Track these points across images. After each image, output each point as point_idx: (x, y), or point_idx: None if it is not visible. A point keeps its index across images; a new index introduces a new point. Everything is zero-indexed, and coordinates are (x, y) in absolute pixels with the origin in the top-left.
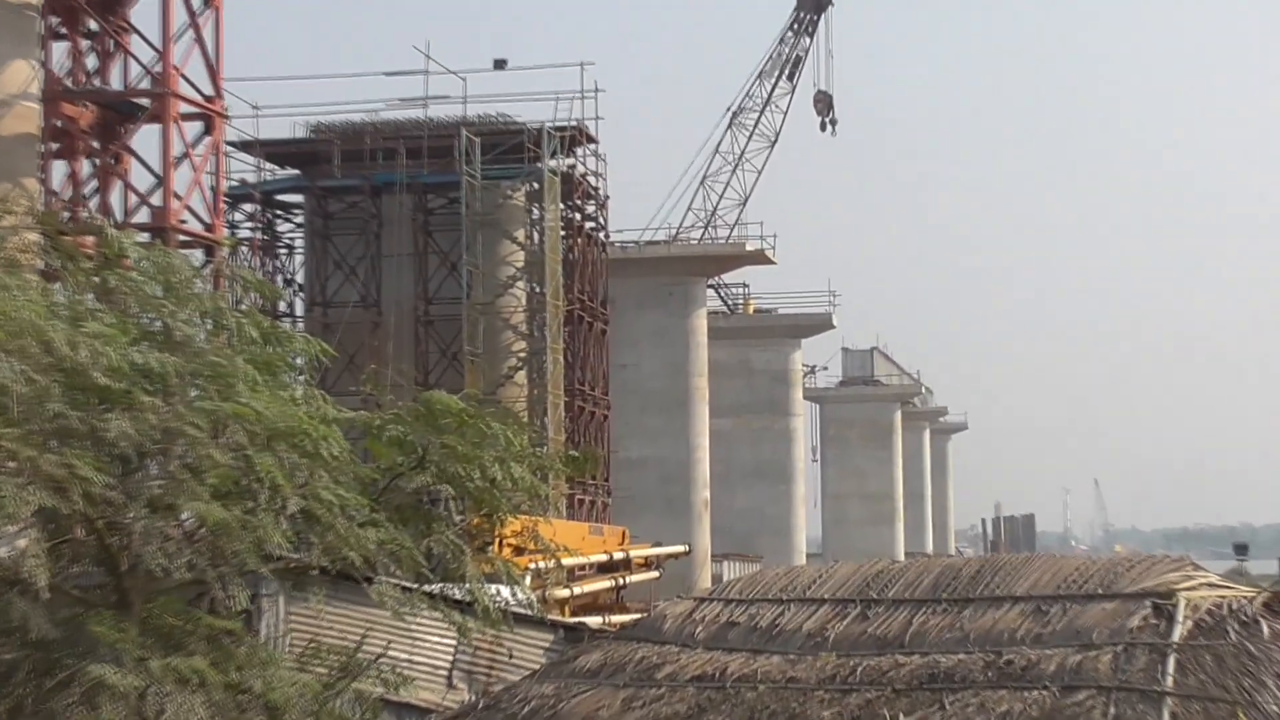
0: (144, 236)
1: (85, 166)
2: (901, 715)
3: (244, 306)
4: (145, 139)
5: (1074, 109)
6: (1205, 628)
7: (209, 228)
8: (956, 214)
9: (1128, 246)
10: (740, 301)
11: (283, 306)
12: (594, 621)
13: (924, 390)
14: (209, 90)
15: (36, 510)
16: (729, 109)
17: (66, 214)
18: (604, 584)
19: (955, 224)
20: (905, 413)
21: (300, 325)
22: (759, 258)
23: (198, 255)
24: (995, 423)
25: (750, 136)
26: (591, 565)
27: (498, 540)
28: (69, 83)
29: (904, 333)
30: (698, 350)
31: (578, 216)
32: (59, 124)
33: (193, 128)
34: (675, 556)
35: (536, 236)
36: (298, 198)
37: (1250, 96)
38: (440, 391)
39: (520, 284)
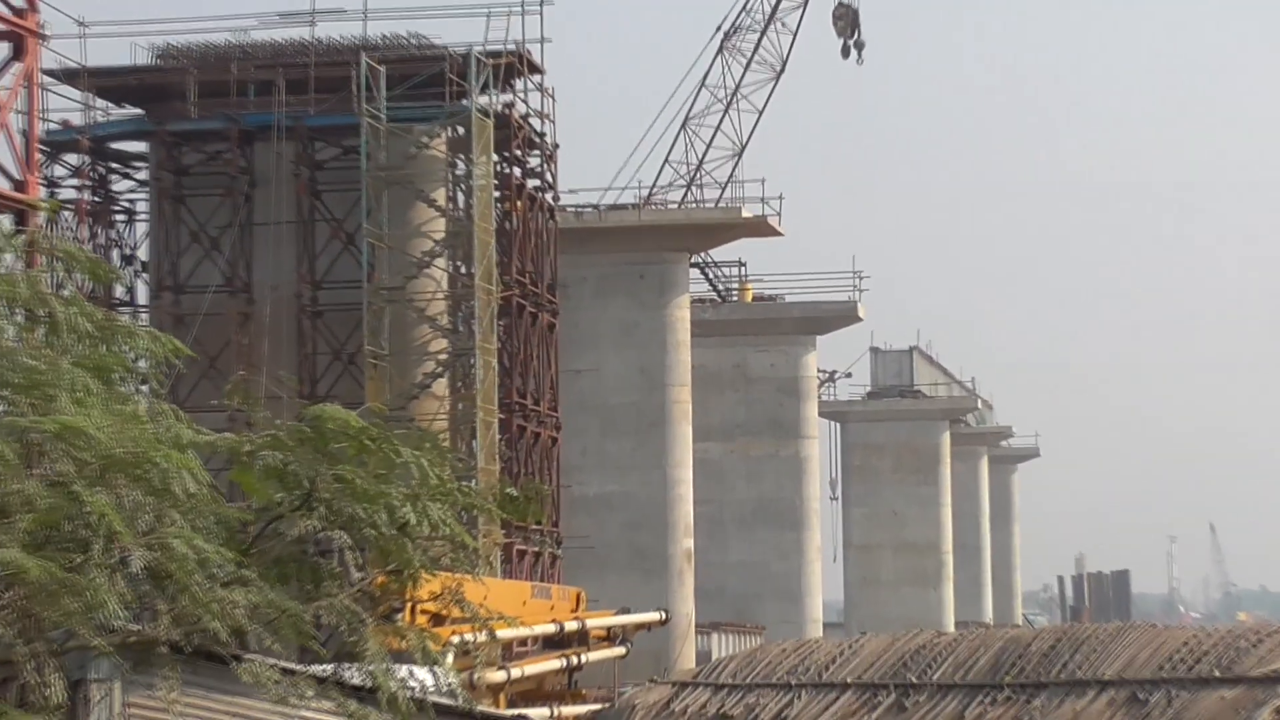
0: None
1: None
2: None
3: (67, 292)
4: None
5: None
6: None
7: (19, 186)
8: (1025, 173)
9: (1252, 223)
10: (735, 287)
11: (120, 292)
12: (539, 715)
13: (980, 404)
14: (17, 1)
15: None
16: (719, 28)
17: None
18: (552, 663)
19: (1023, 187)
20: (956, 434)
21: (144, 318)
22: (760, 227)
23: (3, 223)
24: (1076, 449)
25: (748, 66)
26: (536, 639)
27: (410, 605)
28: None
29: (954, 330)
30: (678, 351)
31: (517, 172)
32: None
33: None
34: (648, 627)
35: (462, 199)
36: (140, 146)
37: None
38: (333, 406)
39: (440, 262)
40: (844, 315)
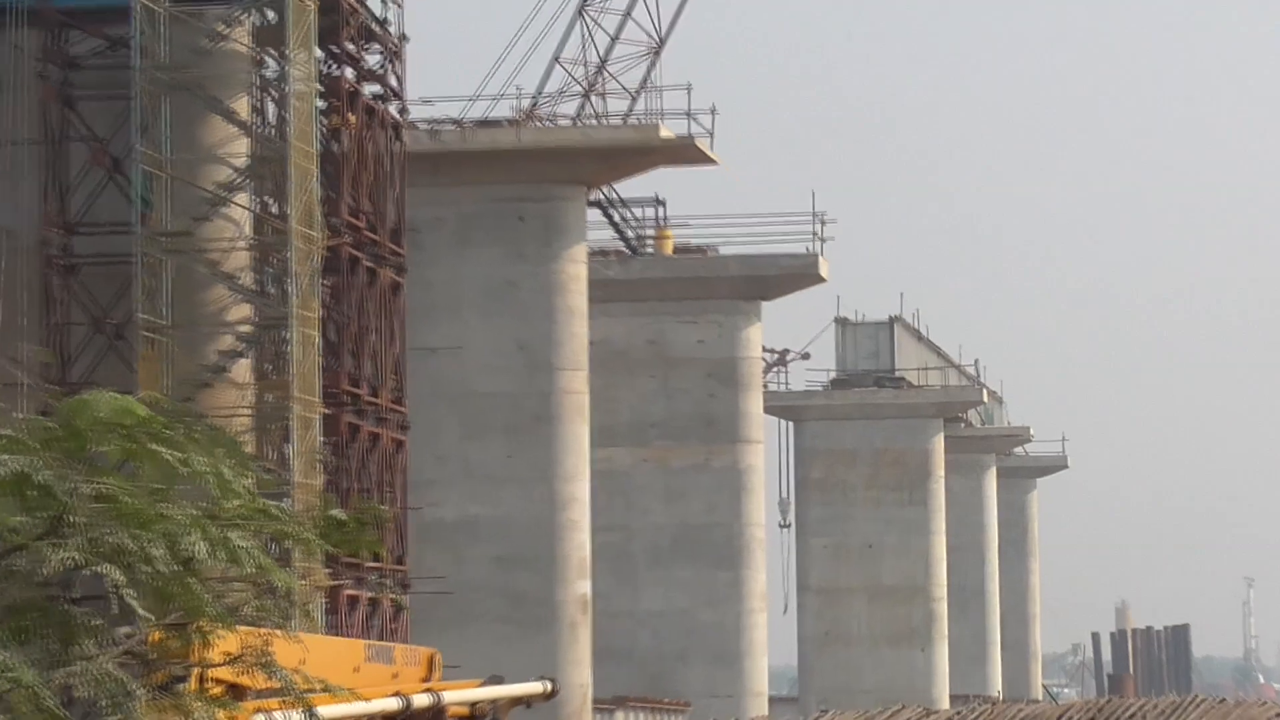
0: None
1: None
2: None
3: None
4: None
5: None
6: None
7: None
8: (1049, 91)
9: None
10: (651, 235)
11: None
12: None
13: (987, 397)
14: None
15: None
16: None
17: None
18: None
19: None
20: (953, 438)
21: None
22: (684, 153)
23: None
24: (1117, 459)
25: None
26: (373, 717)
27: (198, 671)
28: None
29: (950, 297)
30: (570, 322)
31: (350, 74)
32: None
33: None
34: (527, 702)
35: (273, 111)
36: None
37: None
38: (100, 393)
39: (243, 199)
40: (799, 274)
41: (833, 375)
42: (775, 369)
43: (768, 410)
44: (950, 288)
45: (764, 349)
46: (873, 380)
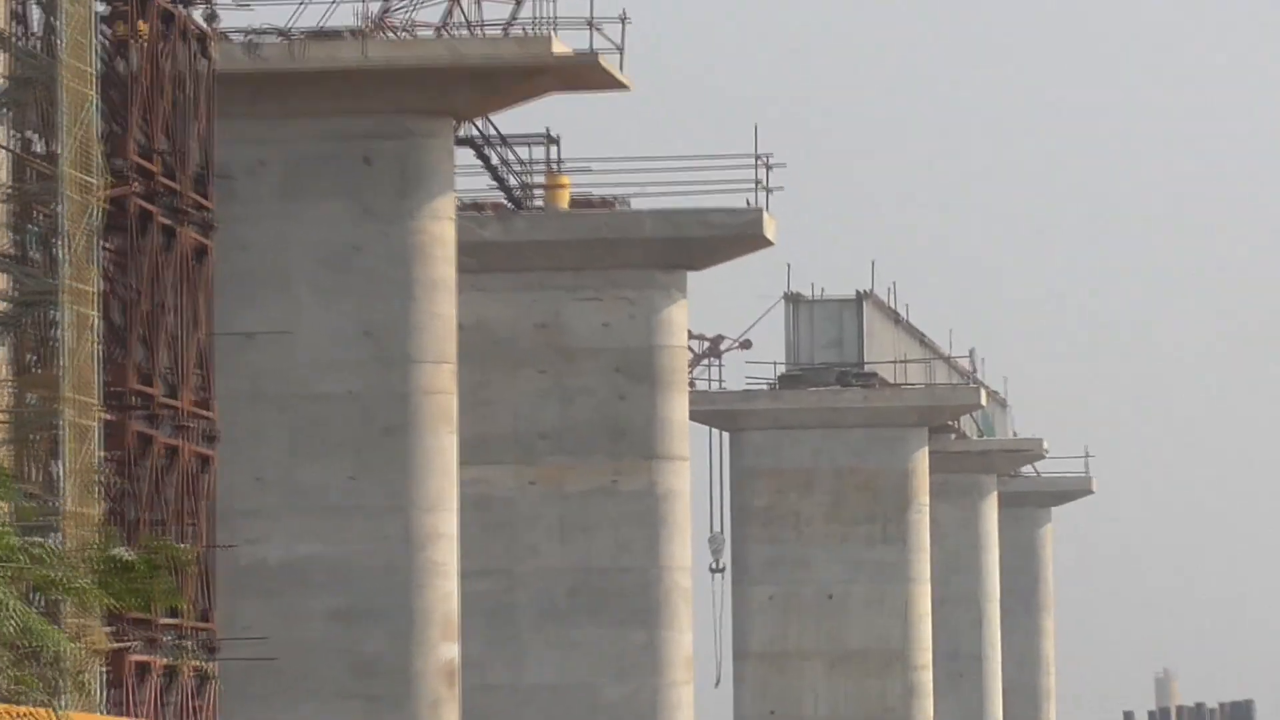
0: None
1: None
2: None
3: None
4: None
5: None
6: None
7: None
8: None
9: None
10: (541, 184)
11: None
12: None
13: (986, 399)
14: None
15: None
16: None
17: None
18: None
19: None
20: (942, 454)
21: None
22: (586, 74)
23: None
24: (1155, 485)
25: None
26: None
27: None
28: None
29: (937, 267)
30: (433, 298)
31: None
32: None
33: None
34: None
35: (38, 18)
36: None
37: None
38: None
39: None
40: (737, 235)
41: (782, 370)
42: (706, 362)
43: (695, 417)
44: (937, 255)
45: (690, 335)
46: (835, 377)
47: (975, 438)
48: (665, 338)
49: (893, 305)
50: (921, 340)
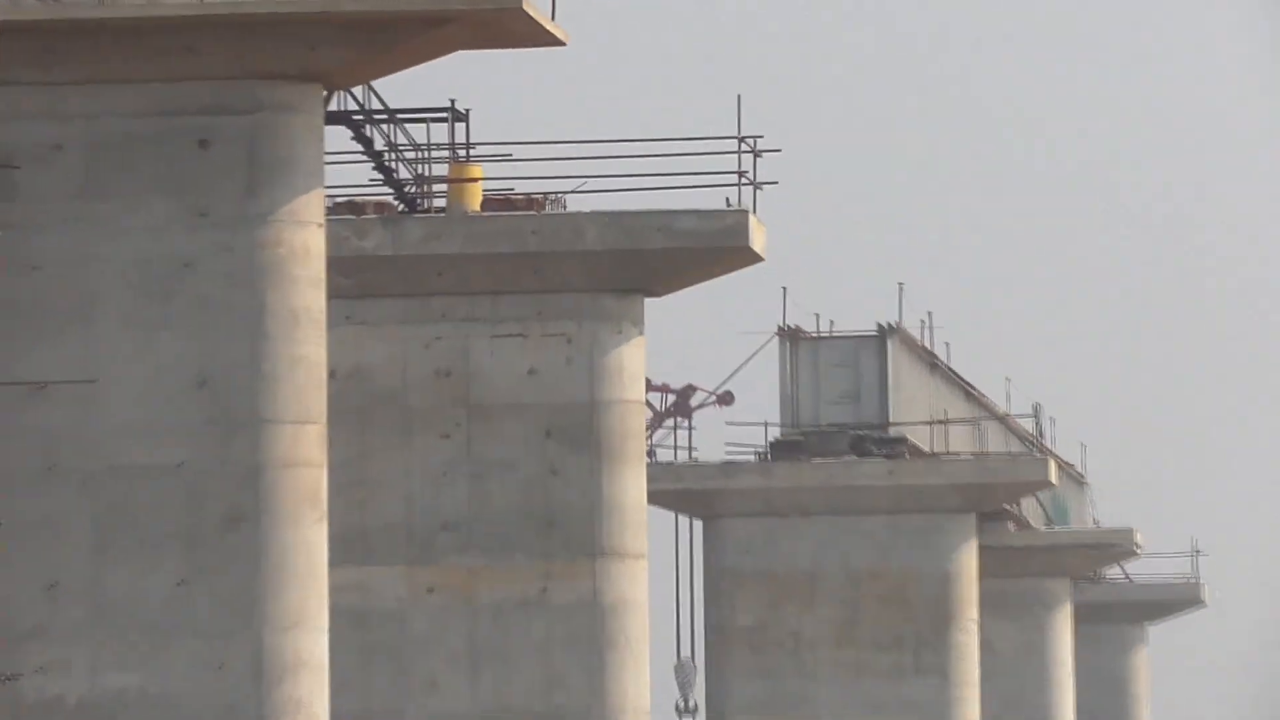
0: None
1: None
2: None
3: None
4: None
5: None
6: None
7: None
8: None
9: None
10: (443, 176)
11: None
12: None
13: (1058, 474)
14: None
15: None
16: None
17: None
18: None
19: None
20: (997, 549)
21: None
22: (504, 24)
23: None
24: None
25: None
26: None
27: None
28: None
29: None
30: (293, 336)
31: None
32: None
33: None
34: None
35: None
36: None
37: None
38: None
39: None
40: (714, 246)
41: (775, 435)
42: (671, 423)
43: (656, 499)
44: (987, 277)
45: (650, 386)
46: (849, 443)
47: (1042, 528)
48: (615, 389)
49: (928, 344)
50: (968, 393)
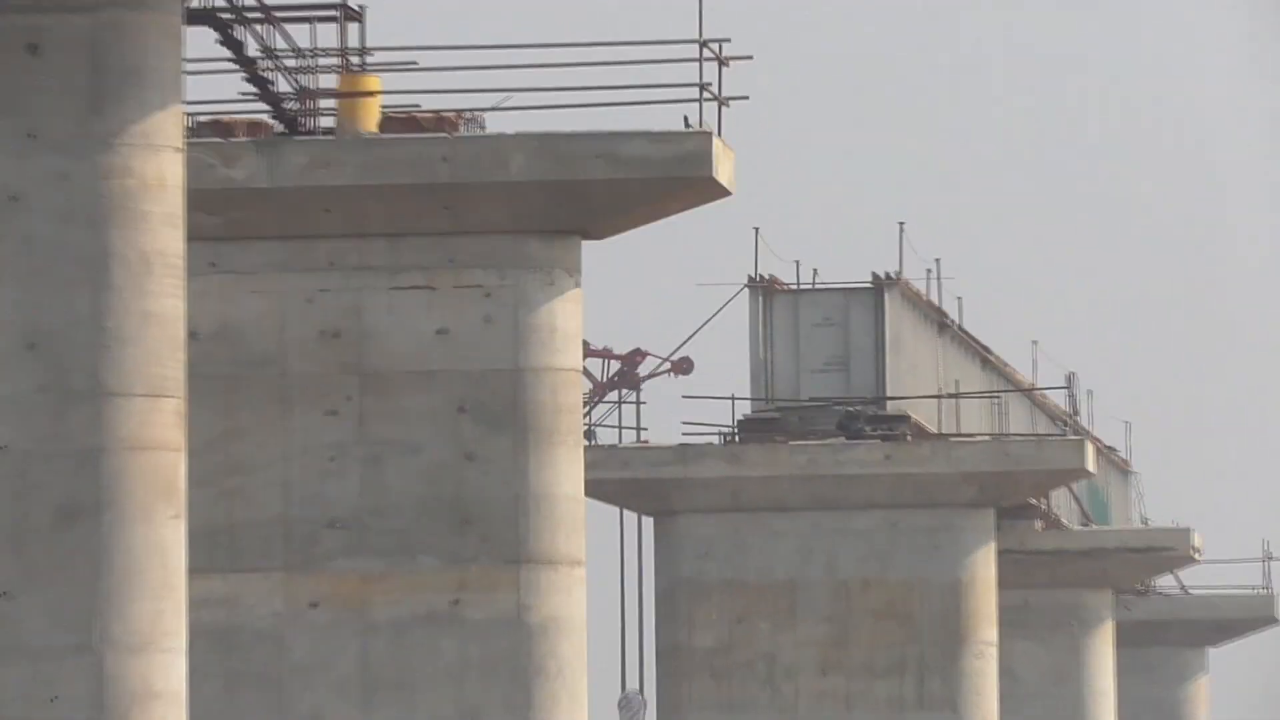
0: None
1: None
2: None
3: None
4: None
5: None
6: None
7: None
8: None
9: None
10: (333, 89)
11: None
12: None
13: (1096, 458)
14: None
15: None
16: None
17: None
18: None
19: None
20: (1019, 555)
21: None
22: None
23: None
24: None
25: None
26: None
27: None
28: None
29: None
30: (142, 282)
31: None
32: None
33: None
34: None
35: None
36: None
37: None
38: None
39: None
40: (669, 177)
41: (746, 411)
42: (614, 396)
43: (597, 490)
44: (1010, 216)
45: (588, 350)
46: (837, 421)
47: (1078, 528)
48: (545, 354)
49: (935, 299)
50: (985, 359)
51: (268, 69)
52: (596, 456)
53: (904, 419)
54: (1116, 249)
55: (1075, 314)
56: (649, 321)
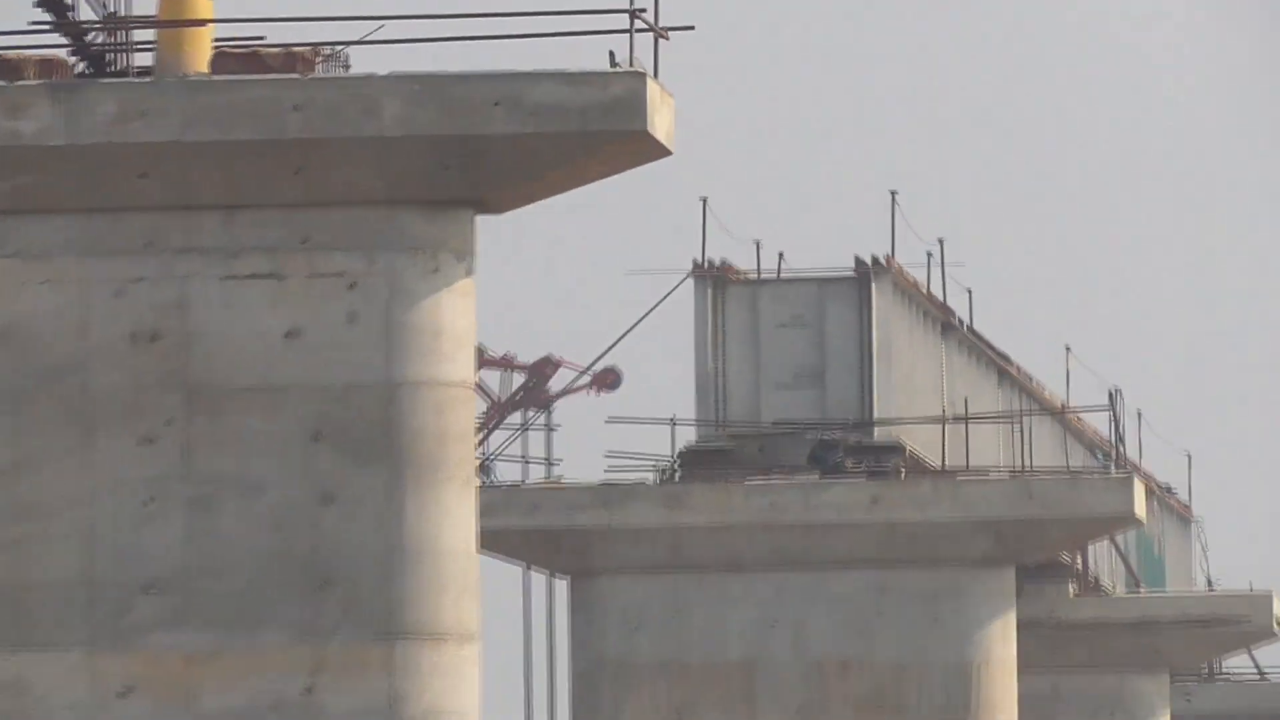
0: None
1: None
2: None
3: None
4: None
5: None
6: None
7: None
8: None
9: None
10: (150, 15)
11: None
12: None
13: (1147, 508)
14: None
15: None
16: None
17: None
18: None
19: None
20: (1048, 627)
21: None
22: None
23: None
24: None
25: None
26: None
27: None
28: None
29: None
30: None
31: None
32: None
33: None
34: None
35: None
36: None
37: None
38: None
39: None
40: (590, 131)
41: (690, 440)
42: (514, 418)
43: (496, 544)
44: (1027, 185)
45: (483, 358)
46: (809, 451)
47: (1124, 592)
48: (427, 364)
49: (938, 292)
50: (1002, 371)
51: None
52: (495, 499)
53: (896, 449)
54: (1171, 228)
55: (1119, 312)
56: (564, 322)
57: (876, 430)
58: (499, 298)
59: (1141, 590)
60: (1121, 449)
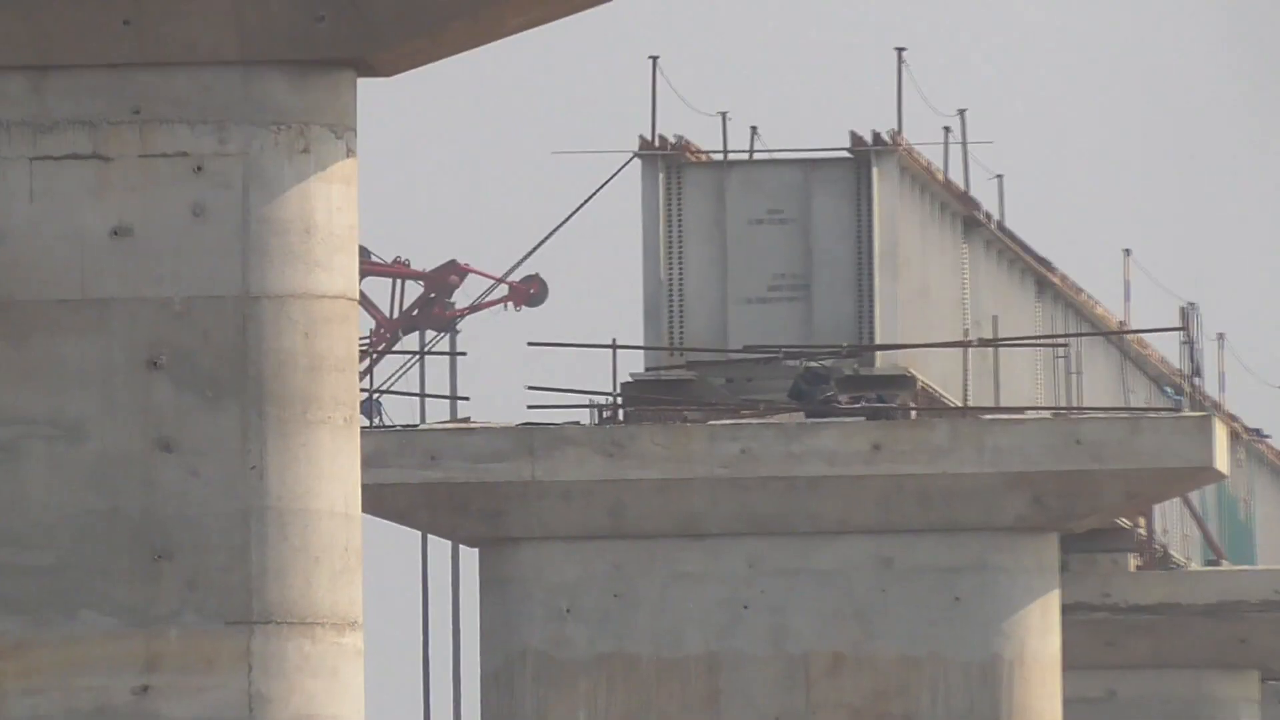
0: None
1: None
2: None
3: None
4: None
5: None
6: None
7: None
8: None
9: None
10: None
11: None
12: None
13: (1230, 460)
14: None
15: None
16: None
17: None
18: None
19: None
20: (1100, 614)
21: None
22: None
23: None
24: None
25: None
26: None
27: None
28: None
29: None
30: None
31: None
32: None
33: None
34: None
35: None
36: None
37: None
38: None
39: None
40: None
41: (636, 369)
42: (409, 340)
43: (382, 505)
44: (1076, 34)
45: (370, 264)
46: (792, 384)
47: (1202, 568)
48: (293, 271)
49: (958, 180)
50: (1042, 280)
51: None
52: (384, 445)
53: (905, 382)
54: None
55: (1193, 207)
56: (472, 218)
57: (879, 357)
58: (389, 187)
59: (1223, 564)
60: (1197, 382)
